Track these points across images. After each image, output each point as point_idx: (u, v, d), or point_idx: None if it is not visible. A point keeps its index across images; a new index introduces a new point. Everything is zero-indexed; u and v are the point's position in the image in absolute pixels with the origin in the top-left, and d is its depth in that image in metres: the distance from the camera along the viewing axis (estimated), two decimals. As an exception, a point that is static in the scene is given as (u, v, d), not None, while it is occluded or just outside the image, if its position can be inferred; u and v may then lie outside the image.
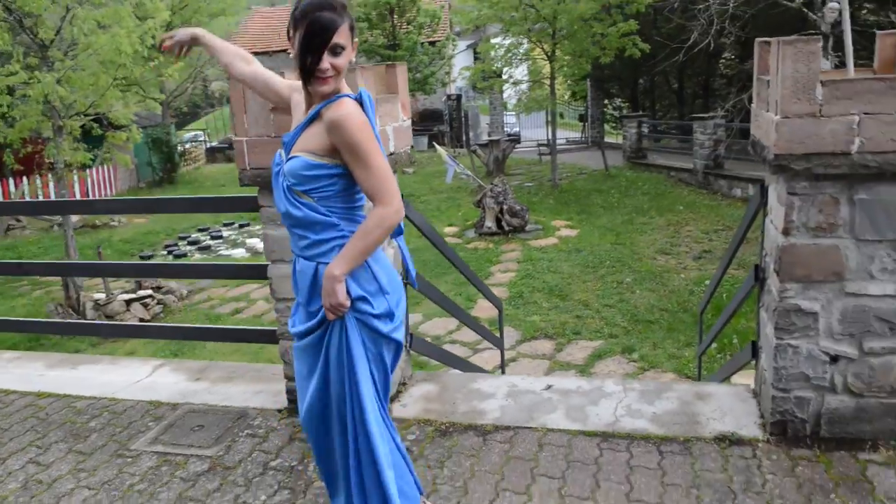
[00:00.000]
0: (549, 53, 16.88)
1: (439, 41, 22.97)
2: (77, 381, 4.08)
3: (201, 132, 31.37)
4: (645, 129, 20.16)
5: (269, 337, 3.62)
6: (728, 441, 3.02)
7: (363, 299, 2.14)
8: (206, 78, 29.47)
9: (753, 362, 3.47)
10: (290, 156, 2.10)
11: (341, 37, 2.01)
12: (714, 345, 6.69)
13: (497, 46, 18.51)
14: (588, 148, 23.66)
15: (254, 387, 3.84)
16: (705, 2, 13.49)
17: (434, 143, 21.09)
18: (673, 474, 2.82)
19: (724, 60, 25.01)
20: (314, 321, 2.19)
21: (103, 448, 3.31)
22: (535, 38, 17.34)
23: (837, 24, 7.88)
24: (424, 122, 25.96)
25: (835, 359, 2.88)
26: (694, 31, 14.13)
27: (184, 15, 18.59)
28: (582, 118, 26.61)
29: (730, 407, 3.29)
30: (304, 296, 2.21)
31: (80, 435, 3.44)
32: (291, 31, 2.02)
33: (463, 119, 24.45)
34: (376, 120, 2.21)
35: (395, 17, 21.20)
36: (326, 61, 1.99)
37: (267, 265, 3.40)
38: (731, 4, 11.78)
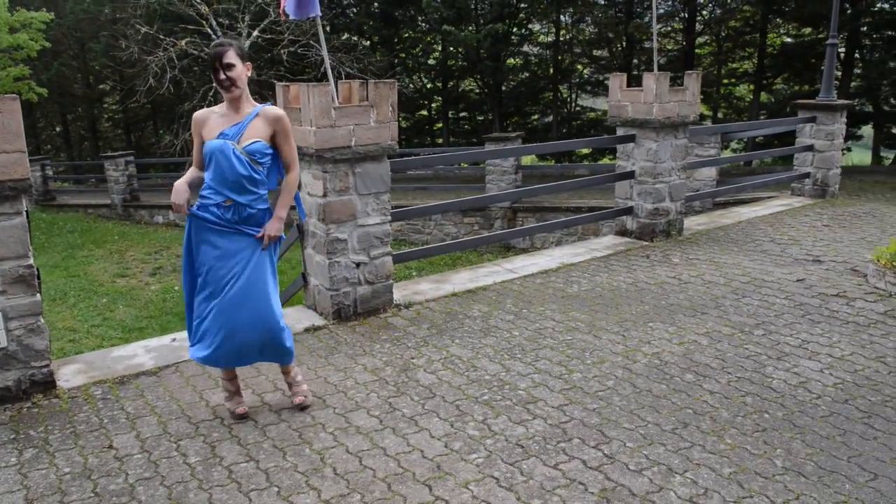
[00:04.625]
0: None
1: None
2: None
3: None
4: (50, 172, 19.27)
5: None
6: (314, 329, 4.63)
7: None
8: None
9: (303, 288, 5.14)
10: (248, 141, 3.14)
11: (229, 58, 3.08)
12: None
13: None
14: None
15: None
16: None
17: None
18: (312, 346, 4.27)
19: (107, 105, 25.47)
20: (250, 241, 3.24)
21: None
22: None
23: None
24: None
25: (358, 265, 4.78)
26: (78, 77, 14.66)
27: None
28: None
29: (301, 316, 4.89)
30: (232, 221, 3.21)
31: None
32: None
33: None
34: None
35: None
36: (222, 74, 3.07)
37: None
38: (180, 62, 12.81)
